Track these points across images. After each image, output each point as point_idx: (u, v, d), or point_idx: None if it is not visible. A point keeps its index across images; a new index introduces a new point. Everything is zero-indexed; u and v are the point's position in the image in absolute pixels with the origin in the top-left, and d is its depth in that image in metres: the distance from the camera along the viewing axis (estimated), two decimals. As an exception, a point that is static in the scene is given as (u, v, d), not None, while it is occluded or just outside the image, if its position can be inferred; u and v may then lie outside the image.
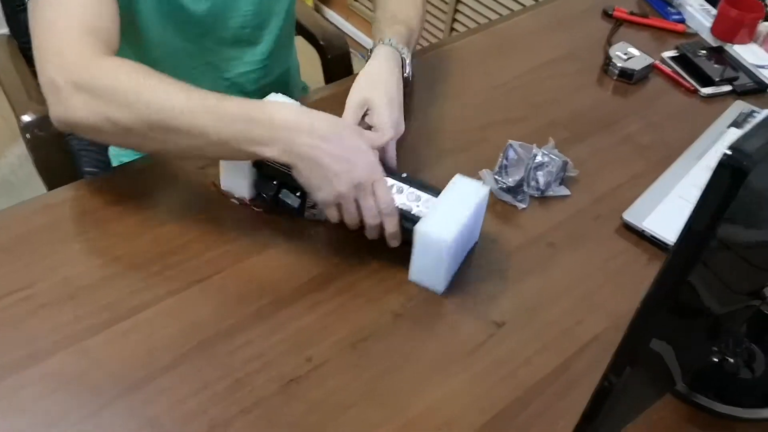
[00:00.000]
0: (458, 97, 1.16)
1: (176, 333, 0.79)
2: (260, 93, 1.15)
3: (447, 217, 0.82)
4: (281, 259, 0.88)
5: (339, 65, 1.42)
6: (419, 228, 0.81)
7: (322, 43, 1.41)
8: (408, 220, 0.85)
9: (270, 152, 0.79)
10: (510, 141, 1.00)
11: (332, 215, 0.84)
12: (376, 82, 0.97)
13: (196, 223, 0.90)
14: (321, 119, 0.81)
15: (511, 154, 0.99)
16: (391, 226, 0.84)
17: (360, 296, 0.85)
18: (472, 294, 0.87)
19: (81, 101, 0.80)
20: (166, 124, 0.78)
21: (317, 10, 2.96)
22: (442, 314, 0.85)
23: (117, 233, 0.88)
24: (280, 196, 0.89)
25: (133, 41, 1.02)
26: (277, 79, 1.21)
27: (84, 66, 0.80)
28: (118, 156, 1.23)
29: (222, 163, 0.91)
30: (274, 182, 0.89)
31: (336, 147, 0.80)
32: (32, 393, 0.73)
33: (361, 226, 0.85)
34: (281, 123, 0.79)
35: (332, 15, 2.94)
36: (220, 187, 0.93)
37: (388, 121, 0.93)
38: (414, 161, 1.02)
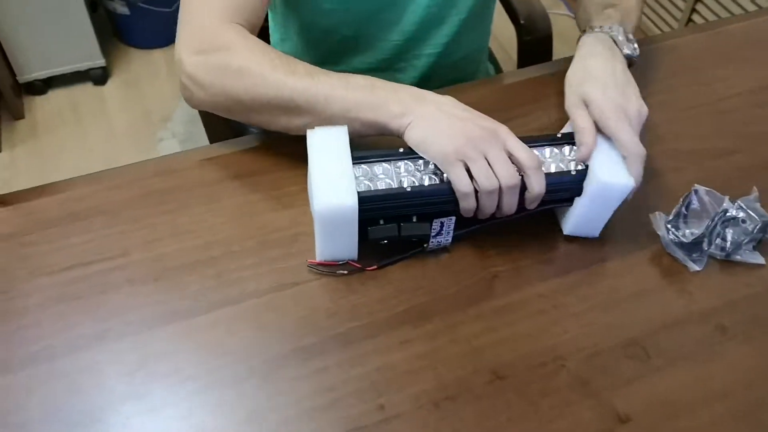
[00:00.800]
0: (654, 110, 0.95)
1: (249, 340, 0.72)
2: (429, 78, 1.03)
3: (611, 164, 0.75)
4: (381, 279, 0.77)
5: (536, 49, 1.25)
6: (601, 178, 0.73)
7: (522, 22, 1.25)
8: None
9: (391, 112, 0.74)
10: (695, 186, 0.80)
11: (458, 178, 0.71)
12: (588, 72, 0.82)
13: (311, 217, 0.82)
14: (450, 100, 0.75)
15: (694, 202, 0.79)
16: (537, 183, 0.71)
17: (458, 343, 0.72)
18: (597, 368, 0.71)
19: (203, 72, 0.78)
20: (284, 103, 0.76)
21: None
22: (553, 388, 0.70)
23: (226, 212, 0.82)
24: (402, 233, 0.75)
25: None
26: (454, 63, 1.07)
27: (211, 39, 0.78)
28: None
29: (318, 231, 0.75)
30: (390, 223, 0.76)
31: (460, 112, 0.74)
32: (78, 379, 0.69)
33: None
34: (406, 91, 0.75)
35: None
36: (317, 261, 0.78)
37: (610, 105, 0.77)
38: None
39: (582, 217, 0.77)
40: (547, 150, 0.77)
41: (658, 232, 0.79)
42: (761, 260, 0.79)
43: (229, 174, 0.86)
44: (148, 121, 2.19)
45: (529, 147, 0.73)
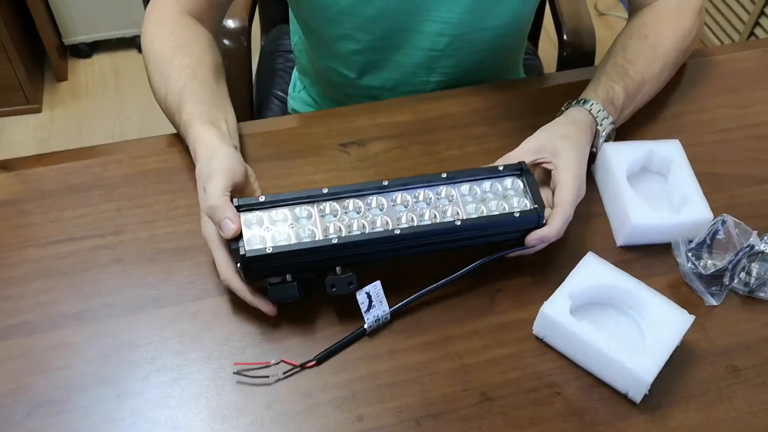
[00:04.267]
0: (689, 131, 0.89)
1: (228, 336, 0.69)
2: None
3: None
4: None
5: (578, 65, 1.17)
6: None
7: (566, 37, 1.18)
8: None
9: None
10: (724, 216, 0.74)
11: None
12: (567, 137, 0.76)
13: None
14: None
15: (720, 233, 0.73)
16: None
17: (450, 359, 0.68)
18: (595, 400, 0.66)
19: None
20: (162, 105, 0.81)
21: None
22: (545, 416, 0.65)
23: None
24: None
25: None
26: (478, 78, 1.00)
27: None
28: (295, 94, 1.17)
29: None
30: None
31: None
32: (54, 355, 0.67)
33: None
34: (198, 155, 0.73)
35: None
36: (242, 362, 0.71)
37: (572, 198, 0.71)
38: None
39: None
40: (488, 183, 0.72)
41: (678, 260, 0.74)
42: (787, 301, 0.73)
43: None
44: (187, 93, 2.18)
45: (468, 180, 0.71)
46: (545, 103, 0.87)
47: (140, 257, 0.75)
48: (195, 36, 0.84)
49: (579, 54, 1.17)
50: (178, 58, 0.80)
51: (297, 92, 1.17)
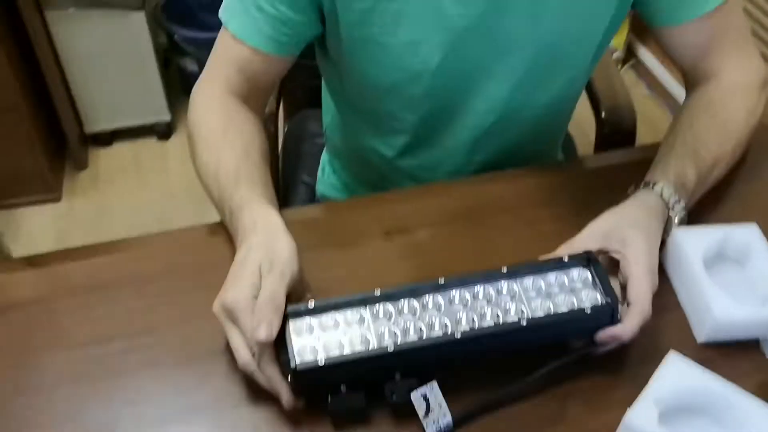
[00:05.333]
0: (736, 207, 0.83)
1: None
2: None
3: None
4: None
5: (618, 144, 1.12)
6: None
7: (603, 115, 1.13)
8: None
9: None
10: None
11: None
12: (637, 224, 0.70)
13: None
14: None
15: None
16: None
17: None
18: None
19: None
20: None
21: (632, 50, 2.58)
22: None
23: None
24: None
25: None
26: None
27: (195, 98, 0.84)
28: (324, 179, 1.13)
29: None
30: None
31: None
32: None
33: None
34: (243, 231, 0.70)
35: (645, 53, 2.54)
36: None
37: (649, 293, 0.65)
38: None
39: None
40: (553, 276, 0.67)
41: None
42: None
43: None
44: (207, 179, 2.16)
45: (530, 274, 0.66)
46: (597, 185, 0.83)
47: (173, 360, 0.69)
48: (245, 117, 0.82)
49: (619, 132, 1.14)
50: (230, 136, 0.78)
51: (326, 177, 1.14)
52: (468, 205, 0.84)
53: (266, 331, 0.60)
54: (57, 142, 2.16)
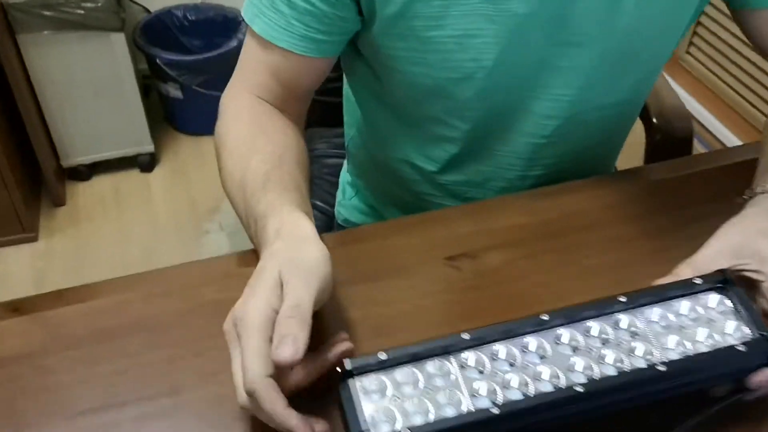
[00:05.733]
0: None
1: None
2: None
3: None
4: None
5: (670, 152, 1.02)
6: None
7: (655, 120, 1.03)
8: None
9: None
10: None
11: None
12: (765, 232, 0.59)
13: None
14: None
15: None
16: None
17: None
18: None
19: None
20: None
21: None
22: None
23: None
24: None
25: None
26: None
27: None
28: (345, 201, 1.00)
29: None
30: None
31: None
32: None
33: None
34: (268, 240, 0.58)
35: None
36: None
37: None
38: None
39: None
40: (684, 304, 0.54)
41: None
42: None
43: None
44: (194, 212, 2.03)
45: (655, 303, 0.53)
46: (684, 195, 0.71)
47: (201, 425, 0.55)
48: (279, 125, 0.70)
49: (672, 139, 1.02)
50: (260, 143, 0.67)
51: (347, 199, 1.01)
52: (542, 223, 0.71)
53: (291, 348, 0.47)
54: (32, 177, 2.01)
